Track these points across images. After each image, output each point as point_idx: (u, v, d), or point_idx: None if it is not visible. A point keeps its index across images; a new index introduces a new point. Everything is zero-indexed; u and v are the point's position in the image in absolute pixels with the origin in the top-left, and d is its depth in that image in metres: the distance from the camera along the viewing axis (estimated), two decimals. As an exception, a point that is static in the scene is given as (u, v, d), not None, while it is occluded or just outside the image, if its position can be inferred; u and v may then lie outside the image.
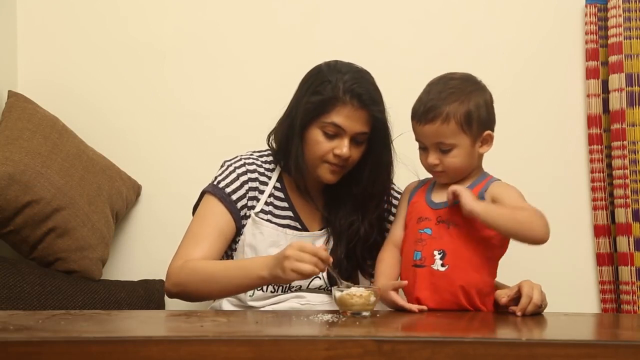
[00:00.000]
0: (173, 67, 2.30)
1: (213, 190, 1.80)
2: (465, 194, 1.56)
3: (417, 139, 1.68)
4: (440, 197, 1.67)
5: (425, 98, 1.64)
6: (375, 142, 1.79)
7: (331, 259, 1.56)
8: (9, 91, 2.12)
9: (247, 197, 1.81)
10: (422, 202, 1.69)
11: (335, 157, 1.74)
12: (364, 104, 1.73)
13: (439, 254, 1.61)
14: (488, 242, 1.62)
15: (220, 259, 1.79)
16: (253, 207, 1.81)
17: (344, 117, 1.72)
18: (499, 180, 1.68)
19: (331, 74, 1.74)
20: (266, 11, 2.31)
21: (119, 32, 2.30)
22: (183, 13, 2.31)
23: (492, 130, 1.67)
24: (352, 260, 1.82)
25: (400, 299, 1.61)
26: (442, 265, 1.60)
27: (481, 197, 1.63)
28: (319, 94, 1.74)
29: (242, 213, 1.81)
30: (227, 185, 1.80)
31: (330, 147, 1.74)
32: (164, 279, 2.18)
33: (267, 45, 2.29)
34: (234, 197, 1.79)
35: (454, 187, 1.58)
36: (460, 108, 1.61)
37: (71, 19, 2.31)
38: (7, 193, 1.86)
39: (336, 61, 1.80)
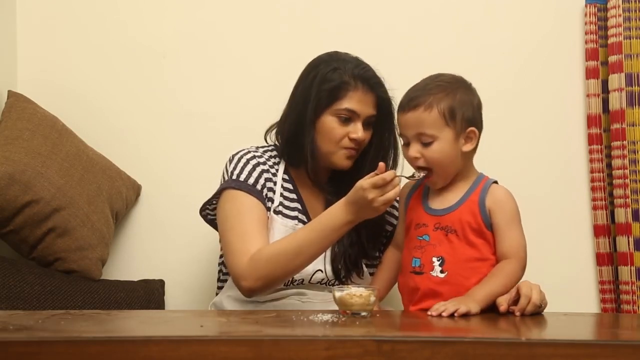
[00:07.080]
0: (172, 67, 2.29)
1: (236, 185, 1.78)
2: (455, 304, 1.48)
3: (400, 133, 1.67)
4: (437, 203, 1.66)
5: (411, 90, 1.65)
6: (380, 124, 1.83)
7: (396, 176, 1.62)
8: (9, 91, 2.12)
9: (266, 187, 1.82)
10: (419, 208, 1.68)
11: (351, 141, 1.79)
12: (372, 87, 1.80)
13: (438, 260, 1.61)
14: (486, 247, 1.62)
15: None
16: (271, 200, 1.82)
17: (356, 101, 1.78)
18: (496, 182, 1.67)
19: (336, 62, 1.80)
20: (265, 11, 2.30)
21: (118, 32, 2.30)
22: (182, 14, 2.31)
23: (479, 130, 1.65)
24: (355, 246, 1.83)
25: None
26: (442, 271, 1.60)
27: (482, 203, 1.62)
28: (329, 81, 1.78)
29: (266, 200, 1.82)
30: (247, 177, 1.80)
31: (345, 131, 1.78)
32: (163, 279, 2.22)
33: (266, 46, 2.29)
34: (258, 186, 1.80)
35: (443, 310, 1.47)
36: (445, 99, 1.60)
37: (71, 19, 2.31)
38: (7, 193, 1.85)
39: (335, 51, 1.85)
